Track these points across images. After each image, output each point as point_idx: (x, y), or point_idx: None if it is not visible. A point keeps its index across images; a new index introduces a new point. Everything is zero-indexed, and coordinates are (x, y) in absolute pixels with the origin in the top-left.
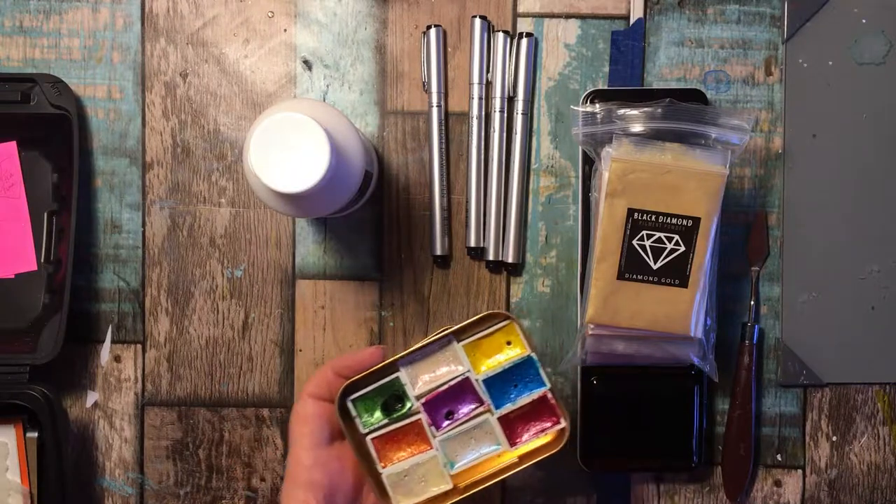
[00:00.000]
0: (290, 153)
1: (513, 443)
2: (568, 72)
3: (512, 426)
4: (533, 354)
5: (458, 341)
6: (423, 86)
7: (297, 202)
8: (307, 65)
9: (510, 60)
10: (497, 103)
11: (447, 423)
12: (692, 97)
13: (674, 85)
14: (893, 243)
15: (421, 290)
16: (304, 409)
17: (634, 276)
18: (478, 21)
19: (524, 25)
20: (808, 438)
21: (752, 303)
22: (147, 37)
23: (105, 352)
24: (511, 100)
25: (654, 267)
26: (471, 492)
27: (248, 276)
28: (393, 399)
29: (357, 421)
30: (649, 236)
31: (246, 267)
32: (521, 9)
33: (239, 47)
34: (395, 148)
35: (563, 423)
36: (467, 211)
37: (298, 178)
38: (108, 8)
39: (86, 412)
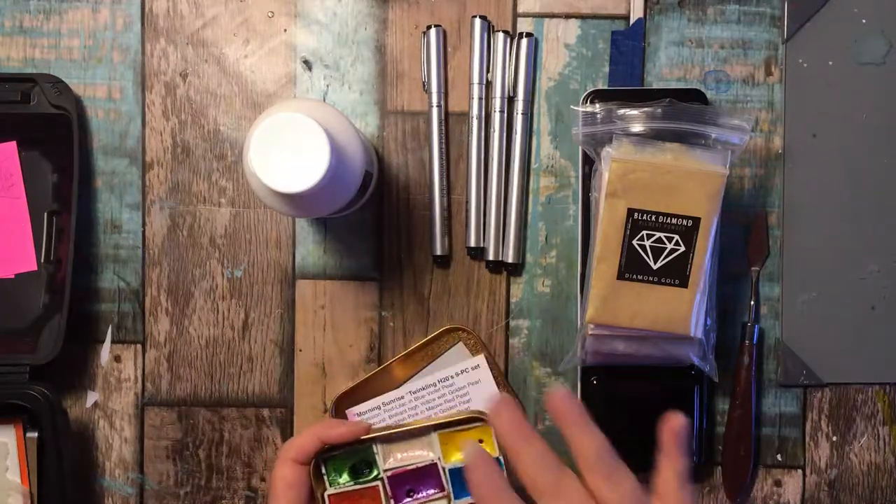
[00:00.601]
0: (290, 153)
1: None
2: (568, 72)
3: None
4: (500, 458)
5: (435, 431)
6: (423, 86)
7: (297, 202)
8: (307, 65)
9: (510, 60)
10: (497, 103)
11: (407, 499)
12: (692, 97)
13: (674, 85)
14: (893, 243)
15: (421, 290)
16: (289, 475)
17: (634, 276)
18: (478, 21)
19: (524, 25)
20: (808, 438)
21: (752, 303)
22: (147, 37)
23: (105, 352)
24: (511, 100)
25: (654, 267)
26: None
27: (248, 276)
28: (362, 465)
29: (325, 479)
30: (649, 236)
31: (246, 267)
32: (521, 9)
33: (239, 47)
34: (395, 148)
35: None
36: (467, 211)
37: (298, 178)
38: (108, 8)
39: (86, 412)
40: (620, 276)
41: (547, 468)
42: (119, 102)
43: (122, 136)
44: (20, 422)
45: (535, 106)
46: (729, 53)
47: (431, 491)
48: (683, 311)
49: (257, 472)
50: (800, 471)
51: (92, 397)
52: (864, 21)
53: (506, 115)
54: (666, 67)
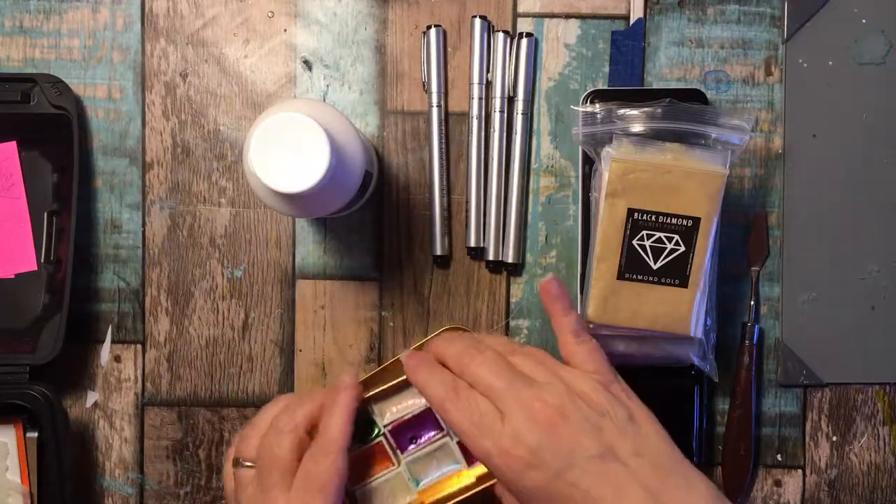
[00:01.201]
0: (290, 153)
1: (470, 462)
2: (568, 72)
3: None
4: None
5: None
6: (423, 86)
7: (297, 202)
8: (307, 65)
9: (510, 60)
10: (497, 103)
11: (412, 446)
12: (692, 97)
13: (674, 85)
14: (893, 243)
15: (421, 290)
16: (343, 465)
17: (634, 276)
18: (478, 21)
19: (524, 25)
20: (808, 438)
21: (752, 303)
22: (147, 37)
23: (105, 352)
24: (511, 100)
25: (654, 267)
26: None
27: (248, 276)
28: (363, 426)
29: None
30: (649, 236)
31: (246, 267)
32: (521, 9)
33: (239, 47)
34: (395, 148)
35: None
36: (467, 211)
37: (298, 178)
38: (108, 8)
39: (86, 412)
40: (620, 276)
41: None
42: (119, 102)
43: (122, 136)
44: (20, 422)
45: (535, 106)
46: (729, 53)
47: (431, 433)
48: (683, 311)
49: None
50: (800, 471)
51: (92, 397)
52: (864, 21)
53: (506, 115)
54: (666, 67)
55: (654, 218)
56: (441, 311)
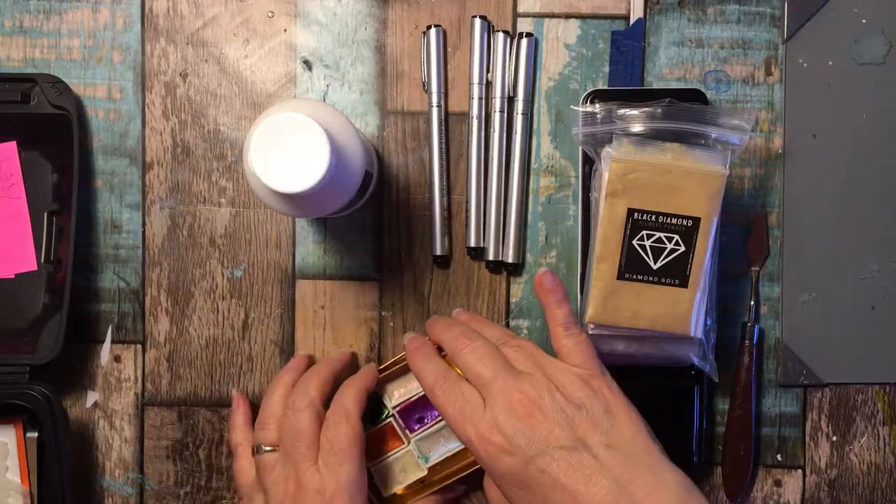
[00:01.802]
0: (290, 153)
1: None
2: (568, 72)
3: None
4: None
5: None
6: (423, 86)
7: (297, 202)
8: (307, 65)
9: (510, 60)
10: (497, 103)
11: (419, 426)
12: (692, 97)
13: (674, 85)
14: (893, 243)
15: (421, 290)
16: (360, 429)
17: (634, 276)
18: (478, 21)
19: (524, 25)
20: (808, 438)
21: (752, 303)
22: (147, 37)
23: (105, 352)
24: (511, 100)
25: (654, 267)
26: (445, 482)
27: (248, 276)
28: (373, 408)
29: None
30: (649, 236)
31: (246, 267)
32: (521, 9)
33: (239, 47)
34: (395, 148)
35: None
36: (467, 211)
37: (298, 178)
38: (108, 8)
39: (86, 412)
40: (620, 276)
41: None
42: (119, 102)
43: (122, 136)
44: (20, 422)
45: (535, 106)
46: (729, 53)
47: (437, 413)
48: (683, 311)
49: None
50: (800, 471)
51: (92, 397)
52: (864, 21)
53: (506, 115)
54: (666, 67)
55: (654, 218)
56: (441, 311)
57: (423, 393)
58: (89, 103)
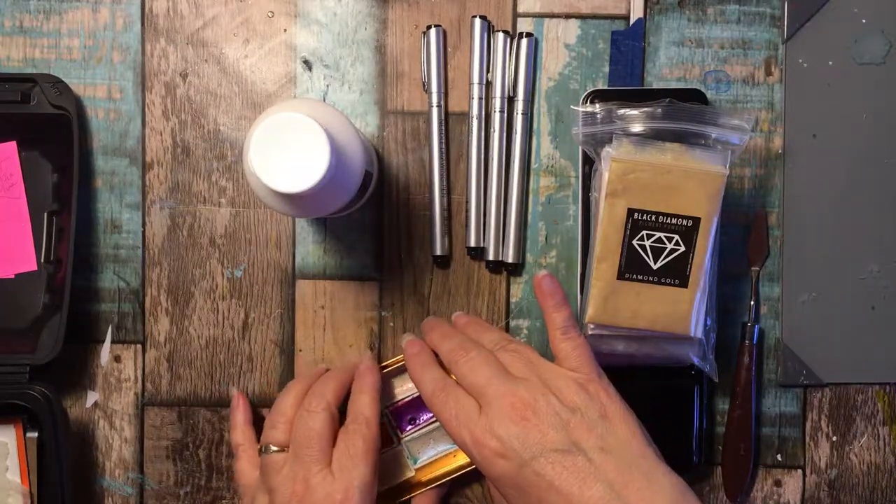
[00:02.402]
0: (290, 153)
1: None
2: (568, 72)
3: None
4: None
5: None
6: (423, 86)
7: (297, 202)
8: (307, 65)
9: (510, 60)
10: (497, 103)
11: (410, 427)
12: (692, 97)
13: (674, 85)
14: (893, 243)
15: (421, 290)
16: (377, 440)
17: (634, 276)
18: (478, 21)
19: (524, 25)
20: (808, 438)
21: (752, 303)
22: (147, 37)
23: (105, 352)
24: (511, 100)
25: (654, 267)
26: (433, 485)
27: (248, 276)
28: None
29: None
30: (649, 236)
31: (246, 267)
32: (521, 9)
33: (239, 47)
34: (395, 148)
35: None
36: (467, 211)
37: (298, 178)
38: (108, 8)
39: (86, 412)
40: (620, 276)
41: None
42: (119, 102)
43: (122, 136)
44: (20, 422)
45: (535, 106)
46: (729, 53)
47: (428, 415)
48: (683, 311)
49: None
50: (800, 471)
51: (92, 397)
52: (864, 21)
53: (506, 115)
54: (666, 67)
55: (654, 218)
56: (441, 311)
57: (416, 394)
58: (89, 103)
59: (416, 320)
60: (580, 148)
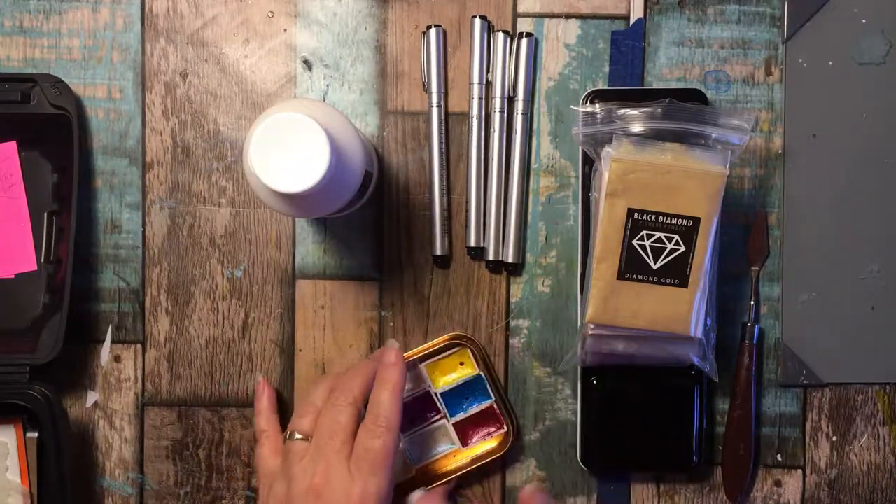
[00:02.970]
0: (290, 153)
1: (465, 443)
2: (568, 72)
3: (464, 430)
4: (482, 373)
5: (422, 362)
6: (423, 86)
7: (297, 202)
8: (307, 65)
9: (510, 60)
10: (497, 103)
11: (411, 427)
12: (692, 97)
13: (674, 85)
14: (893, 243)
15: (421, 290)
16: (397, 440)
17: (634, 276)
18: (478, 21)
19: (524, 25)
20: (808, 438)
21: (752, 303)
22: (147, 37)
23: (105, 352)
24: (511, 100)
25: (654, 267)
26: (434, 485)
27: (248, 276)
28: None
29: None
30: (649, 236)
31: (246, 267)
32: (521, 9)
33: (239, 47)
34: (395, 148)
35: (506, 429)
36: (467, 211)
37: (298, 178)
38: (108, 8)
39: (86, 412)
40: (620, 276)
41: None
42: (119, 102)
43: (122, 136)
44: (20, 422)
45: (535, 106)
46: (729, 53)
47: (430, 414)
48: (683, 311)
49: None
50: (800, 471)
51: (92, 397)
52: (864, 21)
53: (506, 115)
54: (666, 67)
55: (654, 218)
56: (441, 311)
57: (419, 394)
58: (89, 103)
59: (416, 320)
60: (580, 148)
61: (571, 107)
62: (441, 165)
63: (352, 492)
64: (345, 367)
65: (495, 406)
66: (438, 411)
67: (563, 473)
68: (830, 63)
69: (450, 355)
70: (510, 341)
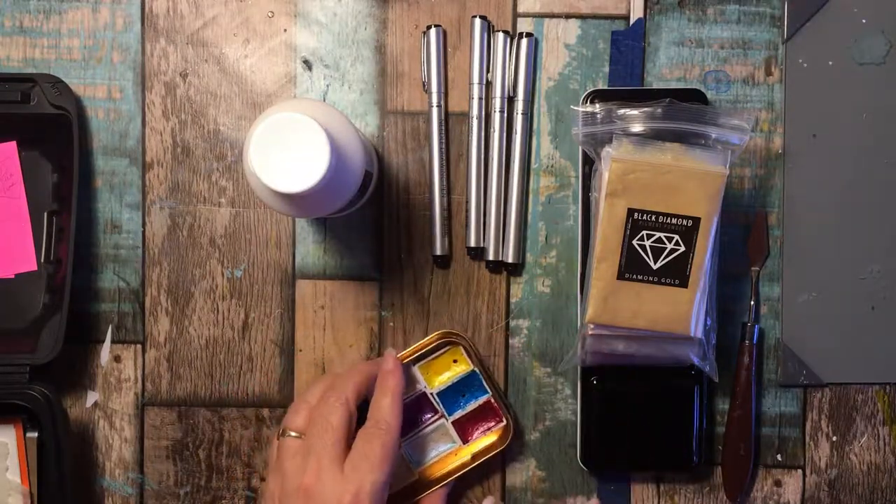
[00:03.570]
0: (290, 153)
1: (465, 440)
2: (568, 72)
3: (463, 428)
4: (476, 369)
5: (415, 364)
6: (423, 86)
7: (297, 202)
8: (307, 65)
9: (510, 60)
10: (497, 103)
11: (409, 430)
12: (692, 97)
13: (674, 85)
14: (893, 243)
15: (421, 290)
16: (396, 446)
17: (634, 276)
18: (478, 21)
19: (524, 25)
20: (808, 438)
21: (752, 303)
22: (147, 37)
23: (105, 352)
24: (511, 100)
25: (654, 267)
26: (437, 486)
27: (248, 276)
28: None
29: None
30: (649, 236)
31: (246, 267)
32: (521, 9)
33: (239, 47)
34: (395, 148)
35: (506, 422)
36: (467, 211)
37: (298, 178)
38: (108, 8)
39: (86, 412)
40: (620, 276)
41: None
42: (119, 102)
43: (122, 136)
44: (20, 422)
45: (535, 106)
46: (729, 53)
47: (428, 416)
48: (683, 311)
49: (257, 471)
50: (800, 471)
51: (92, 397)
52: (864, 21)
53: (506, 115)
54: (666, 67)
55: (654, 218)
56: (441, 311)
57: (415, 395)
58: (89, 103)
59: (416, 320)
60: (580, 148)
61: (571, 107)
62: (441, 165)
63: (345, 491)
64: (345, 367)
65: (493, 400)
66: (436, 411)
67: (563, 473)
68: (830, 63)
69: (442, 354)
70: (510, 341)
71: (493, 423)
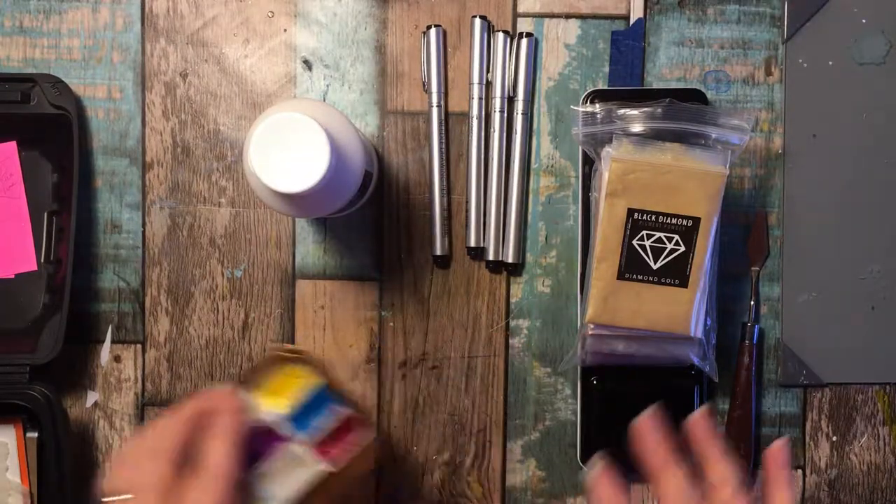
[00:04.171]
0: (290, 153)
1: (329, 460)
2: (568, 72)
3: (322, 447)
4: (325, 381)
5: (248, 391)
6: (423, 86)
7: (297, 202)
8: (307, 65)
9: (510, 60)
10: (497, 103)
11: (256, 463)
12: (692, 97)
13: (674, 85)
14: (893, 243)
15: (421, 290)
16: (230, 495)
17: (634, 276)
18: (478, 21)
19: (524, 25)
20: (808, 438)
21: (752, 303)
22: (147, 37)
23: (105, 352)
24: (511, 100)
25: (654, 267)
26: None
27: (248, 276)
28: None
29: None
30: (649, 236)
31: (246, 267)
32: (521, 9)
33: (239, 47)
34: (395, 148)
35: (371, 431)
36: (467, 211)
37: (298, 178)
38: (108, 8)
39: (86, 412)
40: (620, 276)
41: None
42: (119, 102)
43: (122, 136)
44: (20, 422)
45: (535, 106)
46: (729, 53)
47: (276, 444)
48: (683, 311)
49: None
50: (800, 471)
51: (92, 397)
52: (864, 21)
53: (506, 115)
54: (666, 67)
55: (654, 218)
56: (441, 311)
57: (258, 426)
58: (89, 103)
59: (416, 320)
60: (580, 148)
61: (571, 107)
62: (441, 165)
63: None
64: (345, 366)
65: (348, 412)
66: (285, 437)
67: (563, 473)
68: (830, 63)
69: (282, 375)
70: (510, 341)
71: (356, 437)
